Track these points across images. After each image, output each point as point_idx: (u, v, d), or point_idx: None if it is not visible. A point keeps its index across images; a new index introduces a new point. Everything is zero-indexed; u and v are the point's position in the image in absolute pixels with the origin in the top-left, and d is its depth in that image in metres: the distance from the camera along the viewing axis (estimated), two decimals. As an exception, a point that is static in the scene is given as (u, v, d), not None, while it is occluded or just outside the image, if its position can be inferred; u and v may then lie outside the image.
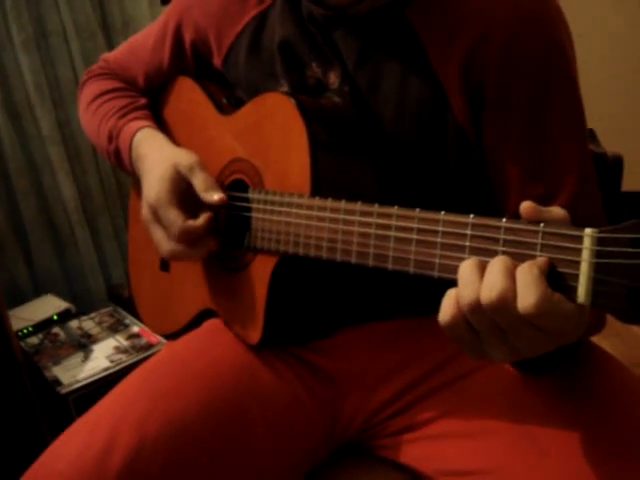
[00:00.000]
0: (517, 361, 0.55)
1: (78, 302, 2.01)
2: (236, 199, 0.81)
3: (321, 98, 0.77)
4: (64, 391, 1.48)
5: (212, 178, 0.81)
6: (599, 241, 0.46)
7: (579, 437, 0.64)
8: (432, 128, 0.72)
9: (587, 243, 0.47)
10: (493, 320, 0.50)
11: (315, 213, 0.68)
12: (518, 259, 0.50)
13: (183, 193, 0.81)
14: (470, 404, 0.73)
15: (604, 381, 0.71)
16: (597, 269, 0.46)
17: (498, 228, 0.52)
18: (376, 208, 0.62)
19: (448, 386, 0.76)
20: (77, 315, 1.85)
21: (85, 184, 2.04)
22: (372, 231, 0.62)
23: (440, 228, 0.56)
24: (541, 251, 0.50)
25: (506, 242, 0.52)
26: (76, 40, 1.93)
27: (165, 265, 0.97)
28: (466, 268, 0.51)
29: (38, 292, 1.98)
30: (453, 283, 0.53)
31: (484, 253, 0.53)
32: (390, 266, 0.61)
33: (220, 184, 0.84)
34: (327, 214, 0.66)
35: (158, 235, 0.82)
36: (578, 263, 0.47)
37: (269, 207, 0.74)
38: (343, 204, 0.65)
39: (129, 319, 1.81)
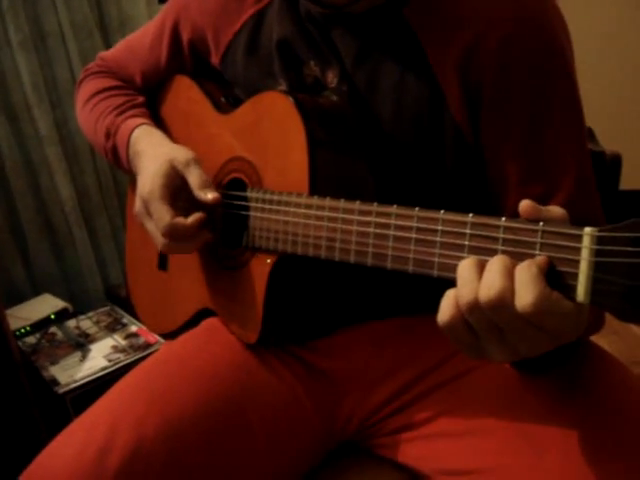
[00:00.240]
0: (516, 361, 0.54)
1: (76, 301, 2.01)
2: (234, 198, 0.81)
3: (319, 97, 0.77)
4: (62, 391, 1.47)
5: (207, 176, 0.80)
6: (599, 240, 0.46)
7: (577, 436, 0.64)
8: (430, 127, 0.72)
9: (587, 242, 0.47)
10: (492, 319, 0.49)
11: (313, 212, 0.68)
12: (517, 258, 0.50)
13: (177, 189, 0.80)
14: (468, 403, 0.73)
15: (602, 379, 0.71)
16: (596, 268, 0.46)
17: (497, 227, 0.52)
18: (375, 207, 0.62)
19: (446, 385, 0.76)
20: (75, 314, 1.84)
21: (83, 184, 2.04)
22: (371, 230, 0.62)
23: (439, 227, 0.56)
24: (540, 250, 0.50)
25: (505, 241, 0.52)
26: (73, 40, 1.92)
27: (163, 264, 0.97)
28: (465, 267, 0.51)
29: (36, 291, 1.97)
30: (452, 282, 0.53)
31: (483, 252, 0.53)
32: (389, 265, 0.61)
33: (218, 183, 0.84)
34: (326, 213, 0.66)
35: (151, 228, 0.82)
36: (577, 262, 0.47)
37: (267, 206, 0.74)
38: (342, 203, 0.65)
39: (127, 318, 1.81)
